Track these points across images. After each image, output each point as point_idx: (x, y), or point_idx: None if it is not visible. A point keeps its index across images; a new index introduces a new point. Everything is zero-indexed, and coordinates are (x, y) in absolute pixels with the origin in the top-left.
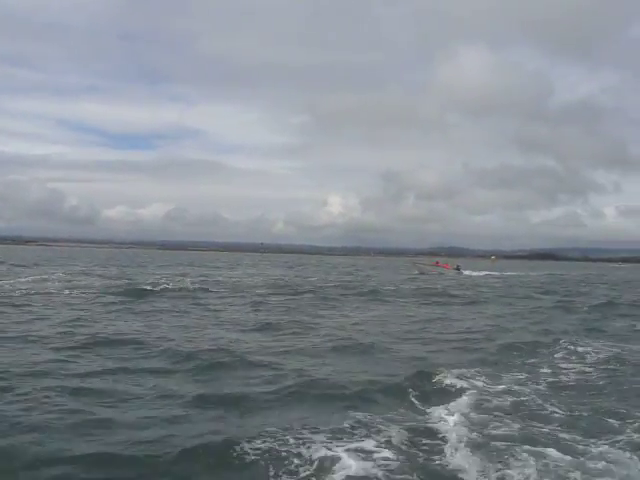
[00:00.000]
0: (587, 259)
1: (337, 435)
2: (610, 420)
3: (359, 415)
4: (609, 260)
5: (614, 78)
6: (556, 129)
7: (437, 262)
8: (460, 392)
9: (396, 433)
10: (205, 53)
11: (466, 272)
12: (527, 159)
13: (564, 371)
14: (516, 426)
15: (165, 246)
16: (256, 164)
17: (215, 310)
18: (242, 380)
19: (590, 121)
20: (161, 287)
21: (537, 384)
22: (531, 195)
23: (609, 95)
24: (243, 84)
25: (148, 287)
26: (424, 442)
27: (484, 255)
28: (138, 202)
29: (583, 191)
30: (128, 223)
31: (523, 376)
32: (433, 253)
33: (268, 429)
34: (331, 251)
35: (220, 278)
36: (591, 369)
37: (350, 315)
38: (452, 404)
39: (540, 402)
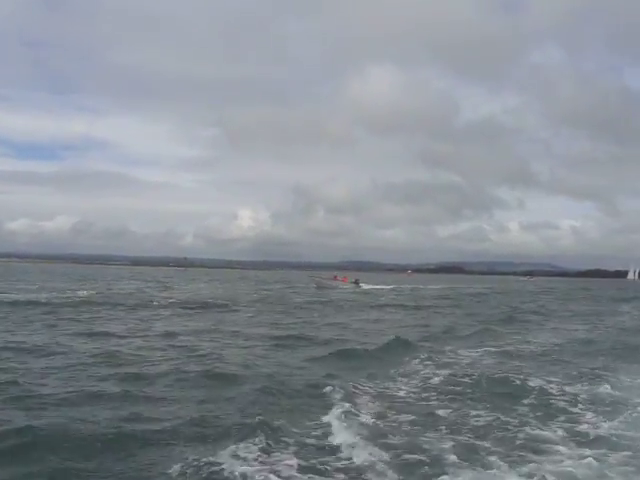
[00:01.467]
0: (493, 272)
1: None
2: None
3: None
4: (514, 273)
5: (515, 100)
6: (461, 147)
7: (335, 276)
8: None
9: None
10: (115, 64)
11: (367, 286)
12: (433, 175)
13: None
14: None
15: (73, 259)
16: (165, 177)
17: None
18: None
19: (493, 140)
20: None
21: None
22: (437, 210)
23: (511, 115)
24: (153, 96)
25: None
26: None
27: (394, 269)
28: (43, 214)
29: (488, 207)
30: (32, 236)
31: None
32: (342, 267)
33: None
34: (242, 265)
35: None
36: None
37: None
38: None
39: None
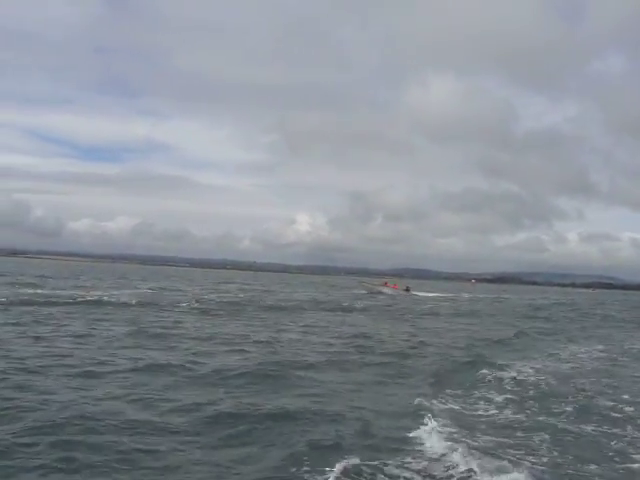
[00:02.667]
0: (550, 283)
1: None
2: None
3: None
4: (572, 285)
5: (576, 109)
6: (520, 156)
7: (386, 282)
8: None
9: None
10: (179, 69)
11: (420, 294)
12: (492, 184)
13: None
14: None
15: (133, 260)
16: (225, 180)
17: None
18: None
19: (553, 149)
20: None
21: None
22: (495, 219)
23: (571, 124)
24: (215, 101)
25: None
26: None
27: (450, 277)
28: (104, 215)
29: (547, 217)
30: (94, 236)
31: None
32: (399, 274)
33: None
34: (299, 269)
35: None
36: None
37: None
38: None
39: None
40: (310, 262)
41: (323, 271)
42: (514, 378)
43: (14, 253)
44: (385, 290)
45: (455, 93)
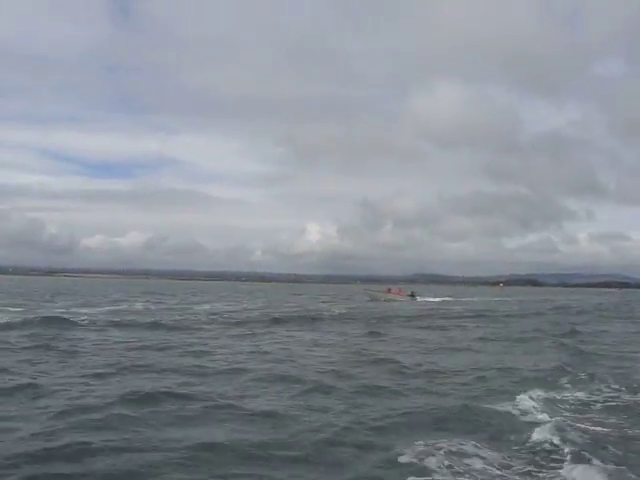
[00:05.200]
0: (565, 284)
1: None
2: None
3: None
4: (587, 285)
5: (579, 112)
6: (527, 159)
7: (389, 289)
8: None
9: None
10: (187, 84)
11: (428, 299)
12: (500, 187)
13: None
14: None
15: (145, 274)
16: (235, 193)
17: None
18: None
19: (559, 152)
20: None
21: None
22: (506, 222)
23: (575, 127)
24: (224, 115)
25: None
26: None
27: (463, 282)
28: (116, 231)
29: (556, 218)
30: (106, 252)
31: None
32: (411, 280)
33: None
34: (311, 279)
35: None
36: None
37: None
38: None
39: None
40: (322, 272)
41: (335, 280)
42: None
43: (48, 272)
44: (389, 297)
45: (460, 100)
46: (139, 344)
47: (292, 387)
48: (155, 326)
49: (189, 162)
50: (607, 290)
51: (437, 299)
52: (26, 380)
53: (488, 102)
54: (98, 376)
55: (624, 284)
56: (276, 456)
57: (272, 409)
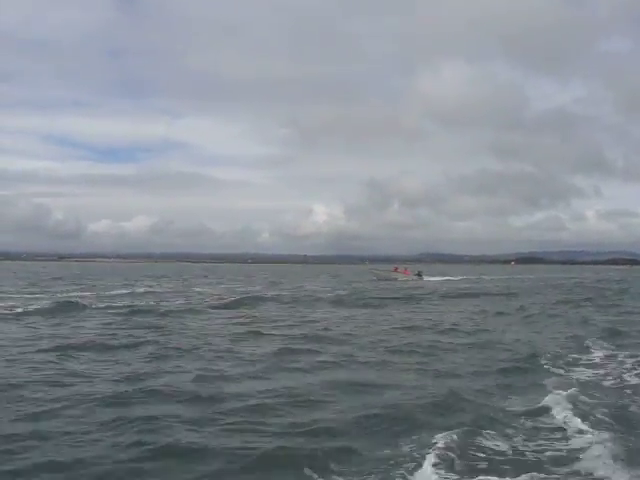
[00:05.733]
0: (572, 262)
1: None
2: None
3: None
4: (594, 262)
5: (585, 89)
6: (533, 137)
7: (395, 268)
8: None
9: None
10: (191, 67)
11: (433, 278)
12: (506, 165)
13: None
14: None
15: (152, 258)
16: (241, 175)
17: None
18: None
19: (565, 129)
20: None
21: None
22: (512, 200)
23: (581, 104)
24: (228, 98)
25: None
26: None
27: (470, 261)
28: (123, 215)
29: (564, 196)
30: (113, 236)
31: None
32: (419, 260)
33: None
34: (319, 259)
35: None
36: None
37: None
38: None
39: None
40: (329, 252)
41: (343, 260)
42: None
43: (57, 257)
44: (396, 276)
45: (465, 78)
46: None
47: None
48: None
49: (194, 145)
50: (616, 267)
51: (446, 278)
52: None
53: (492, 80)
54: None
55: (632, 261)
56: None
57: None
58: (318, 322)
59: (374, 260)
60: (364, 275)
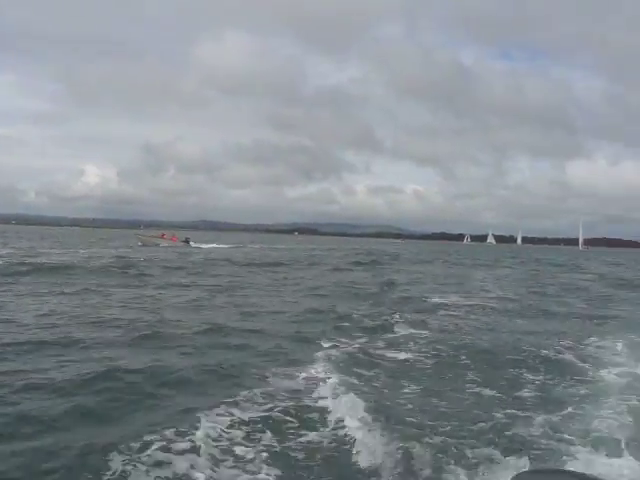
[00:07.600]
0: (344, 234)
1: None
2: None
3: None
4: (361, 235)
5: (361, 71)
6: (310, 112)
7: (163, 234)
8: None
9: None
10: None
11: (203, 246)
12: (282, 138)
13: None
14: None
15: None
16: (7, 131)
17: None
18: None
19: (340, 107)
20: None
21: None
22: (288, 171)
23: (356, 85)
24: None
25: None
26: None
27: (246, 229)
28: None
29: (337, 170)
30: None
31: None
32: (195, 227)
33: None
34: (91, 223)
35: None
36: None
37: None
38: None
39: None
40: (102, 215)
41: (115, 224)
42: None
43: None
44: (162, 242)
45: (247, 50)
46: None
47: None
48: None
49: None
50: (393, 241)
51: (214, 245)
52: None
53: (274, 55)
54: None
55: (398, 235)
56: None
57: None
58: None
59: (150, 225)
60: (132, 240)
